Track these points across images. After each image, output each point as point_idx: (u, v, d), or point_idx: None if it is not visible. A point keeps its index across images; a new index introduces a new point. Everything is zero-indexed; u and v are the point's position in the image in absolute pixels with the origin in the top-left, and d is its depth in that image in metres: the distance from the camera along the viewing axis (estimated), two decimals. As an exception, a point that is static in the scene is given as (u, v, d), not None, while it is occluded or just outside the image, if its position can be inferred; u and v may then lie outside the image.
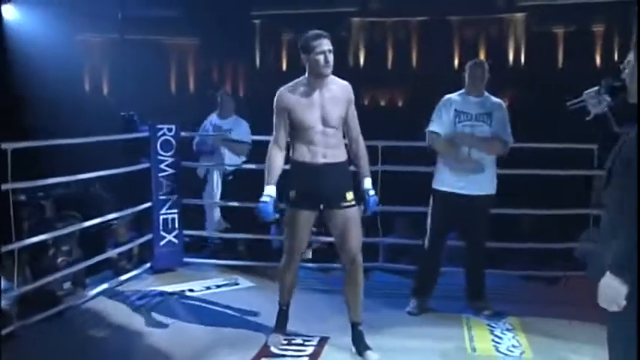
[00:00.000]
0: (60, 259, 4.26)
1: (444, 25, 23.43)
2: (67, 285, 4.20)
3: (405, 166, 4.65)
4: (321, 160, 3.12)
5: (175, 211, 4.78)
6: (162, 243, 4.76)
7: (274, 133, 3.19)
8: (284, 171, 3.25)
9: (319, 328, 3.59)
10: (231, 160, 5.03)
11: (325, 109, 3.11)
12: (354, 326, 3.29)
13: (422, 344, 3.41)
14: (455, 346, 3.40)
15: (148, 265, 4.77)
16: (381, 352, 3.24)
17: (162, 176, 4.71)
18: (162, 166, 4.70)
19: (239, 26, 21.95)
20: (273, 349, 3.33)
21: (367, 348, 3.23)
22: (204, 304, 4.10)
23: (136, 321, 3.77)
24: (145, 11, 17.49)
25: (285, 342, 3.41)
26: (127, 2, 11.34)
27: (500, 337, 3.52)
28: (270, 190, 3.12)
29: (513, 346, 3.40)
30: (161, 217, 4.74)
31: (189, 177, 5.00)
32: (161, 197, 4.72)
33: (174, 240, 4.79)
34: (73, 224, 4.37)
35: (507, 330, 3.64)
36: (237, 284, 4.57)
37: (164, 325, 3.71)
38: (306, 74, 3.14)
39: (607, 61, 23.26)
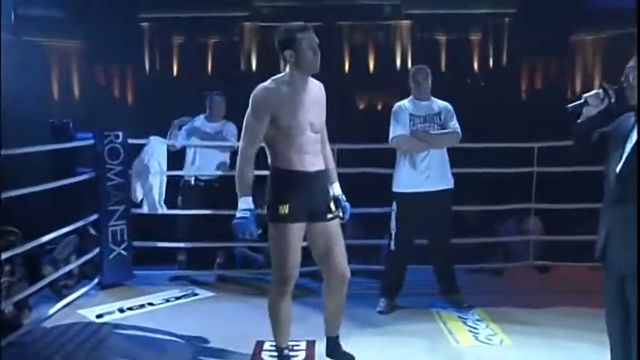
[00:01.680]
0: (2, 280, 3.91)
1: (335, 30, 24.00)
2: (9, 308, 3.87)
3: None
4: (311, 168, 2.86)
5: (124, 222, 4.54)
6: (111, 256, 4.50)
7: (248, 136, 2.81)
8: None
9: (298, 332, 3.57)
10: (210, 168, 4.76)
11: (312, 112, 2.85)
12: (332, 340, 3.16)
13: (406, 340, 3.50)
14: (437, 340, 3.53)
15: (96, 280, 4.50)
16: (369, 352, 3.30)
17: (110, 186, 4.46)
18: (109, 175, 4.45)
19: (127, 29, 21.09)
20: (267, 358, 3.28)
21: (350, 357, 3.14)
22: (172, 318, 3.94)
23: (106, 341, 3.55)
24: (27, 11, 16.34)
25: (273, 348, 3.37)
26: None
27: (475, 328, 3.70)
28: (247, 203, 2.76)
29: (490, 335, 3.58)
30: (110, 229, 4.48)
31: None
32: (110, 208, 4.46)
33: (123, 252, 4.55)
34: (14, 241, 4.05)
35: (478, 320, 3.82)
36: (195, 294, 4.43)
37: (139, 343, 3.52)
38: (288, 71, 2.81)
39: (484, 66, 25.11)
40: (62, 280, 4.43)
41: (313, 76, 2.92)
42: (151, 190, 4.48)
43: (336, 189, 3.03)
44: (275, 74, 2.89)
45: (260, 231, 2.82)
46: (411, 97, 4.06)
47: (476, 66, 24.78)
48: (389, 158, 5.05)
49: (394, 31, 24.23)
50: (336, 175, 3.07)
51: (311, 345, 3.42)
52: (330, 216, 2.95)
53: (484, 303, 4.10)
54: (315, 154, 2.90)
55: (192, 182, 4.74)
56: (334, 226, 2.96)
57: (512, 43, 24.22)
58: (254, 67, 23.71)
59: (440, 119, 3.98)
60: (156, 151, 4.54)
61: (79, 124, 4.66)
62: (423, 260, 4.29)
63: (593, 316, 3.74)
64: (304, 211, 2.86)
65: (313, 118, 2.87)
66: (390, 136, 4.00)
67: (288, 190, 2.83)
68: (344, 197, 3.04)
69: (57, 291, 4.32)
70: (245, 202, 2.77)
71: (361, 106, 21.27)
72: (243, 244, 4.99)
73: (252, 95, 2.82)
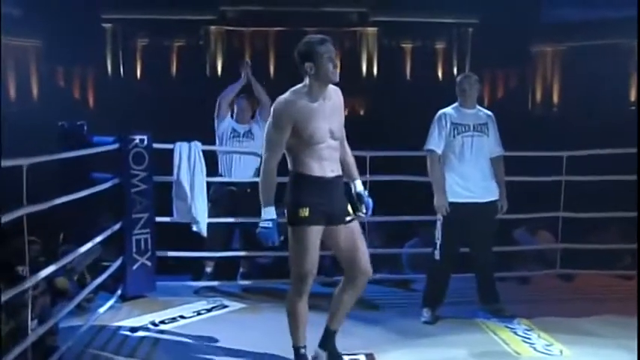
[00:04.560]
0: (28, 293, 3.65)
1: (301, 36, 23.74)
2: (34, 324, 3.61)
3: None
4: (330, 174, 2.94)
5: (148, 230, 4.32)
6: (135, 267, 4.27)
7: (271, 146, 2.90)
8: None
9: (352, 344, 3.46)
10: (246, 171, 4.61)
11: (331, 121, 2.92)
12: (333, 333, 3.17)
13: (467, 353, 3.42)
14: (497, 352, 3.46)
15: (119, 292, 4.26)
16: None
17: (135, 192, 4.24)
18: (134, 181, 4.23)
19: (88, 29, 20.42)
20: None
21: (340, 358, 3.18)
22: (210, 332, 3.74)
23: (150, 357, 3.35)
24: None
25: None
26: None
27: (528, 338, 3.65)
28: (271, 212, 2.88)
29: (547, 345, 3.54)
30: (134, 237, 4.25)
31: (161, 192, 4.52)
32: (134, 216, 4.24)
33: (147, 263, 4.33)
34: (39, 252, 3.81)
35: (527, 330, 3.78)
36: (225, 307, 4.25)
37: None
38: (307, 82, 2.87)
39: (447, 74, 25.50)
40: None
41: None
42: (188, 202, 4.31)
43: (358, 185, 3.11)
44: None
45: (282, 238, 2.94)
46: (456, 105, 4.00)
47: (440, 74, 25.18)
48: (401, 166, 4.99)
49: (360, 38, 24.35)
50: (357, 172, 3.14)
51: (370, 357, 3.31)
52: (348, 218, 3.02)
53: (522, 312, 4.06)
54: (334, 160, 2.98)
55: (228, 188, 4.56)
56: (355, 227, 3.05)
57: (475, 53, 24.74)
58: (219, 71, 23.40)
59: (487, 130, 3.93)
60: (183, 157, 4.34)
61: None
62: (461, 269, 4.23)
63: (634, 326, 3.78)
64: (323, 215, 2.94)
65: (333, 125, 2.94)
66: (426, 146, 3.96)
67: (308, 194, 2.91)
68: (366, 193, 3.10)
69: (78, 304, 4.06)
70: (268, 213, 2.88)
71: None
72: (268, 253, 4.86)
73: (272, 108, 2.92)
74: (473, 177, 3.87)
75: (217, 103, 4.64)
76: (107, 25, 22.38)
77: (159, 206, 4.58)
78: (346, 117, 3.13)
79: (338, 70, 2.87)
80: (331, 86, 2.95)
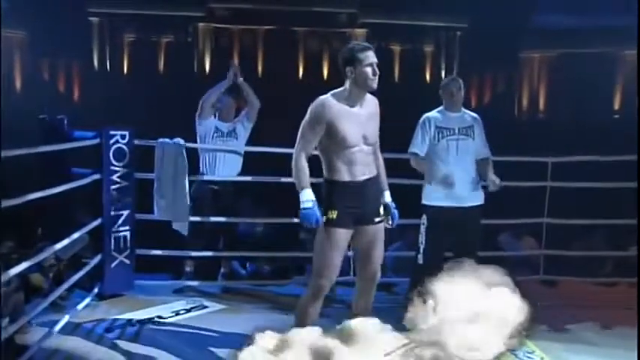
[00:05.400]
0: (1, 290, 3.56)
1: (290, 35, 23.85)
2: (4, 322, 3.52)
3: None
4: (361, 177, 3.00)
5: (127, 228, 4.24)
6: (113, 265, 4.19)
7: (303, 142, 2.97)
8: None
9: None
10: (229, 170, 4.55)
11: (366, 127, 3.00)
12: None
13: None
14: (478, 357, 3.42)
15: (95, 290, 4.17)
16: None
17: (115, 189, 4.16)
18: (114, 177, 4.15)
19: (75, 23, 20.17)
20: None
21: None
22: (190, 333, 3.68)
23: (129, 357, 3.28)
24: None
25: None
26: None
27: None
28: (309, 194, 2.91)
29: (528, 352, 3.51)
30: (113, 235, 4.17)
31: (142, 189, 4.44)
32: (113, 213, 4.15)
33: (125, 261, 4.25)
34: (12, 248, 3.74)
35: (509, 337, 3.74)
36: (205, 307, 4.18)
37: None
38: (348, 87, 2.96)
39: (435, 77, 25.53)
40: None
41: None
42: (170, 200, 4.23)
43: (386, 196, 3.17)
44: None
45: (324, 218, 2.94)
46: (441, 108, 3.97)
47: (428, 76, 25.21)
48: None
49: (349, 39, 24.25)
50: (386, 183, 3.20)
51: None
52: (377, 219, 3.08)
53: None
54: (366, 164, 3.04)
55: (210, 186, 4.49)
56: (379, 229, 3.11)
57: (463, 57, 24.79)
58: (207, 68, 23.25)
59: (473, 133, 3.90)
60: (166, 154, 4.27)
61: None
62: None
63: (618, 334, 3.78)
64: (351, 218, 3.00)
65: (367, 132, 3.01)
66: (409, 149, 3.95)
67: (337, 198, 2.98)
68: (393, 204, 3.17)
69: (53, 302, 3.98)
70: (307, 194, 2.91)
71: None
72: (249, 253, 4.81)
73: (310, 106, 2.98)
74: (457, 181, 3.84)
75: (200, 105, 4.55)
76: (94, 19, 22.14)
77: (140, 203, 4.52)
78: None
79: (377, 78, 2.95)
80: (370, 97, 3.04)
